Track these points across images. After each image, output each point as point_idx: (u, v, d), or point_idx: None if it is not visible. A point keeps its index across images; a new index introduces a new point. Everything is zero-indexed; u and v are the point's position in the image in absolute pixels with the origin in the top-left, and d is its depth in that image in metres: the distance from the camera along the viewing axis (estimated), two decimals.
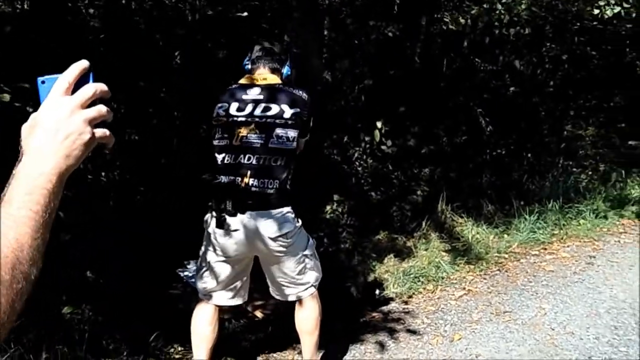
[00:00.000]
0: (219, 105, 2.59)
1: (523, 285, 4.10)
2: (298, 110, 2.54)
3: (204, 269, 2.63)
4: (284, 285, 2.70)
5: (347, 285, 4.01)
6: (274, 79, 2.62)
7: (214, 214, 2.51)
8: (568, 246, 4.79)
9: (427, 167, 6.04)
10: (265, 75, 2.62)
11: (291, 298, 2.73)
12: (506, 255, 4.60)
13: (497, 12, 6.10)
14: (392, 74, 5.89)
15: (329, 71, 6.00)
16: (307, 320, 2.72)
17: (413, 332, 3.50)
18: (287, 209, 2.52)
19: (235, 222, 2.47)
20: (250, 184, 2.46)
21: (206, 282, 2.65)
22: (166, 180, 4.35)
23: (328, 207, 5.10)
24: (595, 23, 8.64)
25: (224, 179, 2.52)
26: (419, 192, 5.68)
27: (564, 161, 6.92)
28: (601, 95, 10.04)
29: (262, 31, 5.10)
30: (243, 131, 2.51)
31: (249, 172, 2.47)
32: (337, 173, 5.39)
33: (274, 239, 2.48)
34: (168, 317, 3.27)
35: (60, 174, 0.75)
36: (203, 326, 2.67)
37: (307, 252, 2.64)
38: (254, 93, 2.58)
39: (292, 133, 2.52)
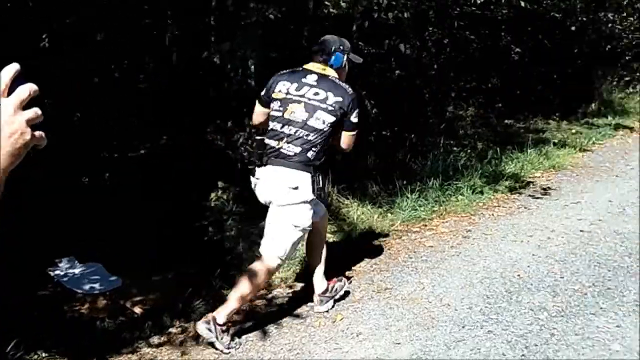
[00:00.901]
0: (282, 82, 3.14)
1: (404, 261, 4.22)
2: (341, 100, 3.04)
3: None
4: (264, 237, 3.15)
5: (232, 273, 3.93)
6: (330, 71, 3.15)
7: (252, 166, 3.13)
8: (447, 222, 4.99)
9: None
10: (323, 66, 3.15)
11: (261, 249, 3.17)
12: (389, 234, 4.72)
13: None
14: (275, 57, 5.82)
15: (211, 54, 5.85)
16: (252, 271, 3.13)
17: (296, 316, 3.49)
18: (305, 175, 3.02)
19: (260, 172, 3.09)
20: (283, 147, 3.02)
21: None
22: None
23: (213, 195, 4.98)
24: (473, 8, 9.05)
25: (267, 140, 3.09)
26: None
27: (444, 141, 7.19)
28: (479, 78, 10.57)
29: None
30: (294, 107, 3.04)
31: (285, 139, 3.02)
32: (222, 159, 5.26)
33: (281, 191, 3.02)
34: (33, 321, 3.05)
35: (5, 171, 0.81)
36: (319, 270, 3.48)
37: (297, 223, 3.09)
38: (311, 79, 3.11)
39: (329, 118, 3.04)
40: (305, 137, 3.01)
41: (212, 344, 3.03)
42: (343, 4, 6.41)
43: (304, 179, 3.02)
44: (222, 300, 3.25)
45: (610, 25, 10.76)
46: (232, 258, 4.24)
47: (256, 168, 3.12)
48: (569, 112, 10.41)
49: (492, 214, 5.21)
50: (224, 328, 3.03)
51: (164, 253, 3.85)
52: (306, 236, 3.31)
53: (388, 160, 6.17)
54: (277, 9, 5.88)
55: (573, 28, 9.08)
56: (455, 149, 7.24)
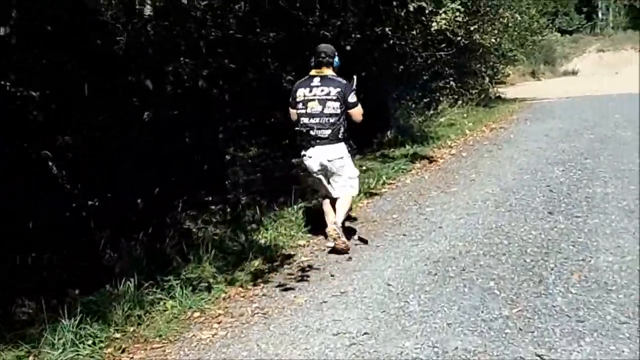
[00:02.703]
0: (300, 89, 4.45)
1: None
2: (339, 89, 4.35)
3: (312, 184, 4.77)
4: (337, 187, 4.51)
5: None
6: (328, 71, 4.42)
7: (301, 150, 4.46)
8: None
9: None
10: (323, 70, 4.42)
11: (337, 194, 4.52)
12: None
13: None
14: None
15: None
16: (342, 201, 4.51)
17: None
18: (341, 144, 4.43)
19: (310, 152, 4.39)
20: (317, 133, 4.35)
21: (318, 190, 4.76)
22: None
23: None
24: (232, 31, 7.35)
25: (303, 130, 4.39)
26: None
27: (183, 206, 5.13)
28: (261, 112, 8.84)
29: None
30: (312, 104, 4.36)
31: (315, 127, 4.35)
32: None
33: (330, 160, 4.40)
34: None
35: None
36: (329, 207, 4.55)
37: (352, 174, 4.58)
38: (316, 81, 4.40)
39: (336, 104, 4.35)
40: (327, 122, 4.35)
41: (338, 238, 4.30)
42: None
43: (342, 148, 4.44)
44: None
45: (399, 43, 9.54)
46: None
47: (305, 150, 4.41)
48: (365, 143, 8.97)
49: (211, 336, 3.16)
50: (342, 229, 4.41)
51: None
52: None
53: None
54: None
55: (348, 48, 7.60)
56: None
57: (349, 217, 4.85)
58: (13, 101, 3.79)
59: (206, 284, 3.71)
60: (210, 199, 6.09)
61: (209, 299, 3.57)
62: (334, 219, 4.45)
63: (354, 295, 3.49)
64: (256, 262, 4.16)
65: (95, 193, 4.48)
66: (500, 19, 13.36)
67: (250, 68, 8.20)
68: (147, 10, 6.66)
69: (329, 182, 4.53)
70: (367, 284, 3.66)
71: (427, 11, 7.72)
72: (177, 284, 3.58)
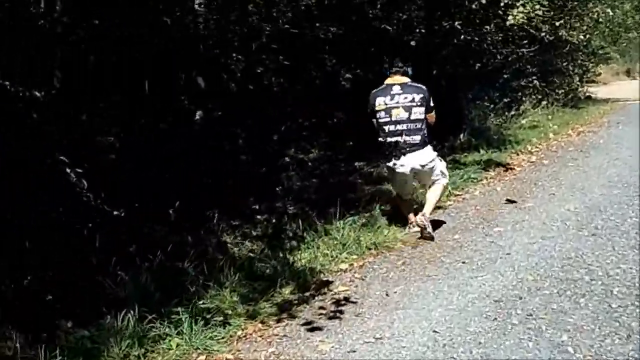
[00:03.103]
0: (378, 98, 4.50)
1: None
2: (422, 95, 4.45)
3: (393, 184, 4.88)
4: (431, 182, 4.67)
5: None
6: (406, 80, 4.52)
7: (388, 160, 4.55)
8: None
9: None
10: (400, 78, 4.51)
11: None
12: None
13: None
14: None
15: None
16: (434, 190, 4.68)
17: None
18: (429, 147, 4.55)
19: (402, 160, 4.45)
20: (405, 140, 4.41)
21: (396, 189, 4.83)
22: None
23: None
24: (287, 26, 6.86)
25: (390, 139, 4.46)
26: None
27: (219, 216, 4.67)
28: (322, 111, 8.35)
29: None
30: (396, 111, 4.42)
31: (404, 133, 4.41)
32: None
33: (423, 165, 4.50)
34: None
35: None
36: (405, 203, 4.77)
37: (442, 169, 4.70)
38: (397, 89, 4.47)
39: (421, 109, 4.45)
40: (414, 128, 4.42)
41: (424, 229, 4.43)
42: None
43: (430, 151, 4.57)
44: None
45: (472, 38, 8.67)
46: None
47: (396, 159, 4.48)
48: (435, 147, 8.23)
49: None
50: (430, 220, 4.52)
51: None
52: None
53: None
54: None
55: (413, 43, 6.89)
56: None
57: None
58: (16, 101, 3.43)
59: (222, 318, 3.20)
60: (257, 207, 5.62)
61: (222, 337, 3.05)
62: (420, 211, 4.60)
63: (390, 343, 2.85)
64: (287, 290, 3.61)
65: (119, 202, 4.09)
66: (590, 14, 12.10)
67: (309, 65, 7.69)
68: (198, 3, 6.25)
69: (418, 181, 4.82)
70: (408, 327, 3.01)
71: (502, 3, 6.87)
72: (187, 317, 3.08)
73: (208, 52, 6.57)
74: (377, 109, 4.48)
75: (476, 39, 8.07)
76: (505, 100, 11.68)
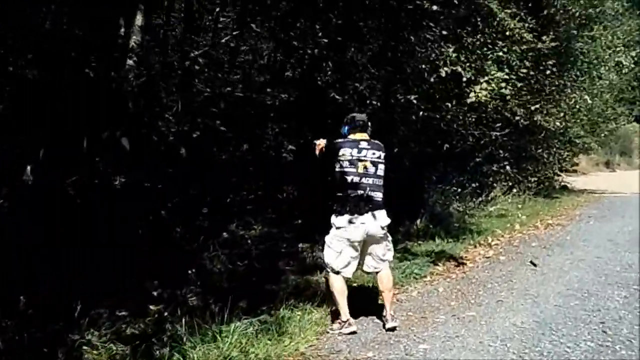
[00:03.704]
0: (344, 148, 4.19)
1: None
2: (384, 153, 4.29)
3: (334, 255, 4.17)
4: (377, 260, 4.30)
5: None
6: (367, 136, 4.32)
7: (342, 215, 4.11)
8: None
9: None
10: (364, 135, 4.31)
11: (372, 267, 4.34)
12: None
13: None
14: None
15: None
16: (388, 281, 4.34)
17: None
18: (384, 210, 4.22)
19: (363, 218, 4.09)
20: (369, 195, 4.13)
21: (337, 263, 4.16)
22: None
23: None
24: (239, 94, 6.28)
25: (352, 192, 4.13)
26: None
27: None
28: (271, 184, 7.67)
29: None
30: (363, 164, 4.17)
31: (368, 188, 4.14)
32: None
33: (383, 227, 4.18)
34: None
35: None
36: (343, 287, 4.18)
37: (389, 238, 4.38)
38: (364, 144, 4.23)
39: (383, 166, 4.26)
40: (378, 184, 4.20)
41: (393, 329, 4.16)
42: None
43: (386, 215, 4.24)
44: None
45: (438, 116, 8.14)
46: None
47: (351, 216, 4.09)
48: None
49: None
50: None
51: None
52: None
53: None
54: None
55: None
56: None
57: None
58: None
59: None
60: (156, 293, 4.82)
61: None
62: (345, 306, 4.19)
63: None
64: None
65: None
66: (567, 100, 11.76)
67: (254, 132, 7.09)
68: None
69: (360, 256, 4.30)
70: None
71: (464, 79, 6.36)
72: None
73: (137, 109, 5.95)
74: (340, 158, 4.18)
75: (437, 116, 7.54)
76: (474, 185, 11.13)
